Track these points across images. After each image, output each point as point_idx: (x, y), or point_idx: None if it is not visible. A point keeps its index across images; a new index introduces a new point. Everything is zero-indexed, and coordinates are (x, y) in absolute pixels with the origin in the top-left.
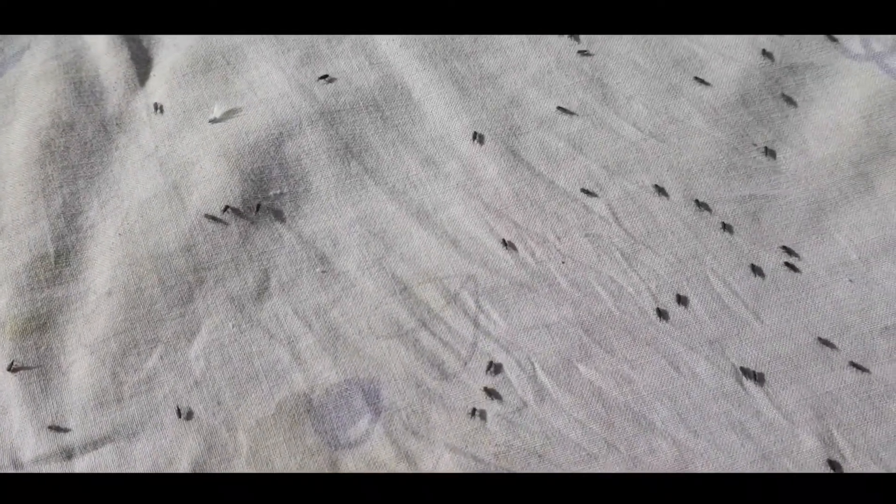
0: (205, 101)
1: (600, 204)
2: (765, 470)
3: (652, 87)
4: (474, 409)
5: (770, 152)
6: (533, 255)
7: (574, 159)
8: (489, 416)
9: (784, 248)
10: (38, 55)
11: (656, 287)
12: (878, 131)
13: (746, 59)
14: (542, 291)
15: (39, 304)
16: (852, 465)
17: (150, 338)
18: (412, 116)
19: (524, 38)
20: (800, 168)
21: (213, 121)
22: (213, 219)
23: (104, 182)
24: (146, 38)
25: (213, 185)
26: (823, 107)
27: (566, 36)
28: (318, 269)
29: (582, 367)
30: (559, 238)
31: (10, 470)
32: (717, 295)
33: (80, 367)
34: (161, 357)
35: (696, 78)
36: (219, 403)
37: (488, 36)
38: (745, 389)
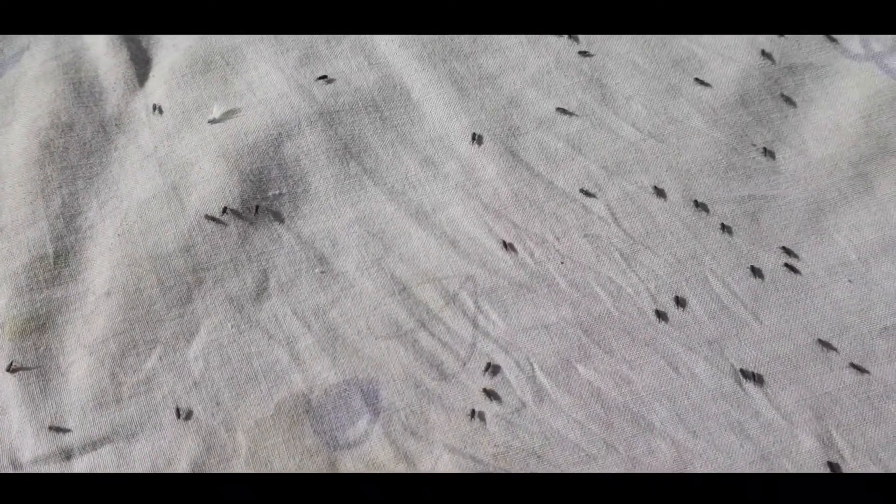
0: (204, 101)
1: (599, 204)
2: (764, 470)
3: (651, 88)
4: (473, 411)
5: (769, 153)
6: (532, 255)
7: (573, 160)
8: (488, 416)
9: (783, 248)
10: (38, 56)
11: (655, 287)
12: (878, 131)
13: (746, 59)
14: (541, 292)
15: (38, 304)
16: (851, 466)
17: (149, 338)
18: (411, 117)
19: (523, 38)
20: (799, 168)
21: (212, 121)
22: (212, 219)
23: (103, 182)
24: (145, 39)
25: (211, 185)
26: (823, 107)
27: (565, 36)
28: (317, 270)
29: (581, 368)
30: (558, 238)
31: (10, 470)
32: (716, 295)
33: (79, 367)
34: (160, 358)
35: (695, 79)
36: (218, 404)
37: (487, 36)
38: (744, 390)
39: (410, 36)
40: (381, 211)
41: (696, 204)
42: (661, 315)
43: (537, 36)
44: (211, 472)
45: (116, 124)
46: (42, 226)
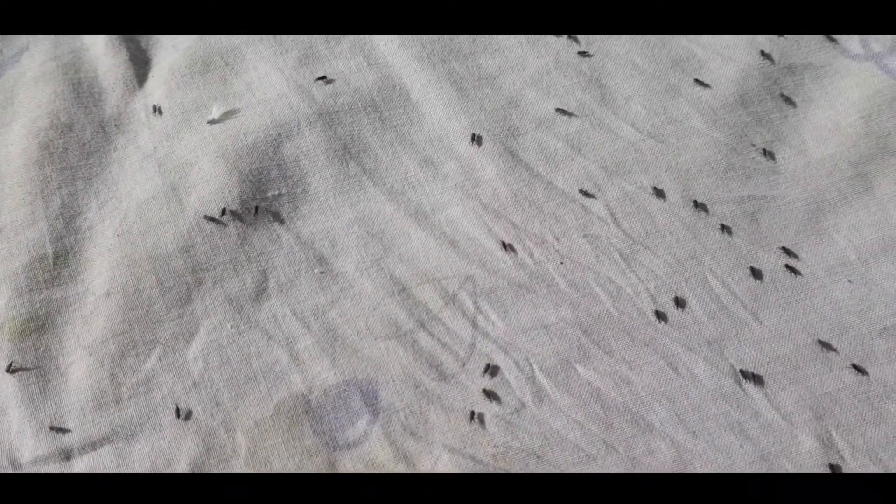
0: (203, 102)
1: (599, 205)
2: (763, 470)
3: (650, 88)
4: (473, 412)
5: (769, 153)
6: (531, 255)
7: (572, 160)
8: (487, 417)
9: (783, 248)
10: (37, 56)
11: (655, 288)
12: (877, 132)
13: (745, 59)
14: (541, 292)
15: (38, 305)
16: (851, 466)
17: (149, 339)
18: (410, 117)
19: (523, 38)
20: (799, 168)
21: (212, 122)
22: (212, 220)
23: (103, 183)
24: (145, 39)
25: (211, 186)
26: (822, 107)
27: (565, 36)
28: (316, 270)
29: (580, 368)
30: (557, 239)
31: (9, 471)
32: (715, 296)
33: (78, 368)
34: (159, 358)
35: (695, 79)
36: (217, 404)
37: (487, 36)
38: (743, 390)
39: (410, 36)
40: (381, 211)
41: (696, 204)
42: (660, 315)
43: (537, 36)
44: (210, 472)
45: (116, 125)
46: (41, 226)
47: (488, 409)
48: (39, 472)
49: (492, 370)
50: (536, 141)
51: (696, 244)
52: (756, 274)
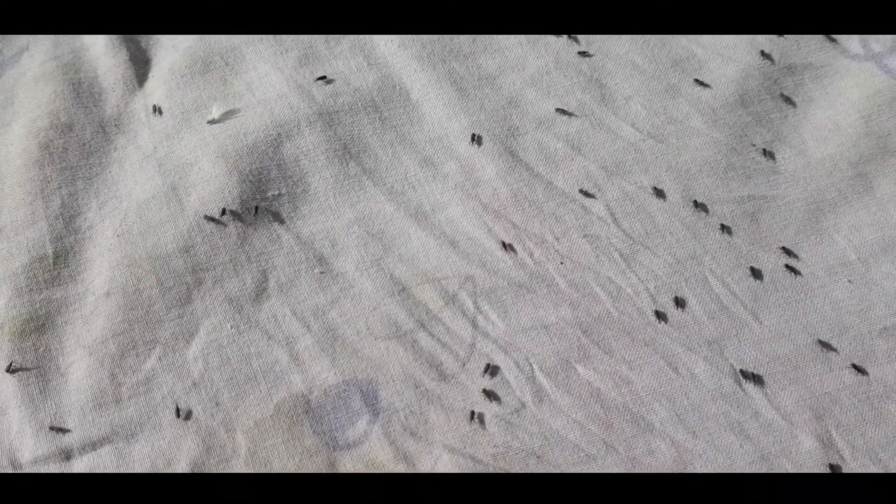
0: (203, 102)
1: (599, 205)
2: (764, 470)
3: (650, 88)
4: (473, 412)
5: (769, 153)
6: (531, 255)
7: (572, 160)
8: (487, 417)
9: (783, 248)
10: (37, 56)
11: (655, 288)
12: (877, 131)
13: (745, 59)
14: (541, 292)
15: (38, 305)
16: (851, 466)
17: (149, 339)
18: (410, 117)
19: (523, 38)
20: (799, 168)
21: (212, 122)
22: (212, 220)
23: (103, 183)
24: (145, 39)
25: (211, 186)
26: (822, 107)
27: (565, 36)
28: (316, 270)
29: (580, 368)
30: (557, 239)
31: (9, 471)
32: (715, 296)
33: (78, 368)
34: (159, 358)
35: (695, 79)
36: (217, 404)
37: (487, 36)
38: (743, 390)
39: (410, 36)
40: (381, 211)
41: (696, 204)
42: (660, 315)
43: (537, 36)
44: (210, 472)
45: (116, 125)
46: (41, 226)
47: (488, 409)
48: (39, 472)
49: (492, 370)
50: (536, 141)
51: (696, 244)
52: (756, 274)
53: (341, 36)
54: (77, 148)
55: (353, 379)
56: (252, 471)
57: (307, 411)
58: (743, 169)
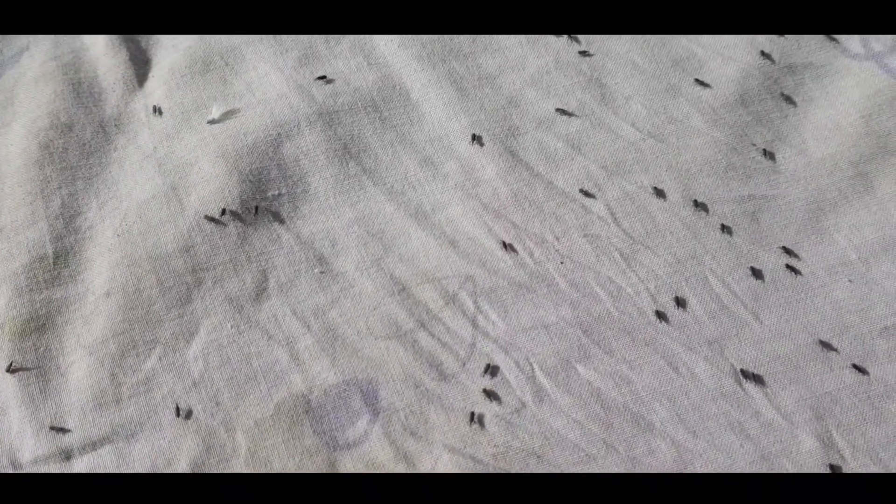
0: (203, 102)
1: (599, 204)
2: (764, 470)
3: (651, 88)
4: (473, 412)
5: (769, 152)
6: (531, 255)
7: (573, 160)
8: (488, 416)
9: (783, 248)
10: (37, 56)
11: (655, 288)
12: (878, 131)
13: (745, 58)
14: (541, 292)
15: (38, 305)
16: (852, 466)
17: (149, 339)
18: (410, 117)
19: (523, 38)
20: (799, 168)
21: (212, 122)
22: (212, 220)
23: (103, 183)
24: (145, 39)
25: (211, 185)
26: (823, 107)
27: (565, 36)
28: (316, 270)
29: (580, 368)
30: (558, 238)
31: (10, 470)
32: (716, 295)
33: (78, 368)
34: (159, 358)
35: (695, 79)
36: (217, 404)
37: (487, 36)
38: (744, 390)
39: (410, 36)
40: (381, 211)
41: (696, 204)
42: (660, 315)
43: (537, 36)
44: (210, 472)
45: (116, 125)
46: (41, 226)
47: (488, 408)
48: (39, 472)
49: (492, 370)
50: (536, 141)
51: (697, 244)
52: (756, 273)
53: (341, 36)
54: (77, 148)
55: (354, 379)
56: (252, 471)
57: (307, 411)
58: (743, 168)
